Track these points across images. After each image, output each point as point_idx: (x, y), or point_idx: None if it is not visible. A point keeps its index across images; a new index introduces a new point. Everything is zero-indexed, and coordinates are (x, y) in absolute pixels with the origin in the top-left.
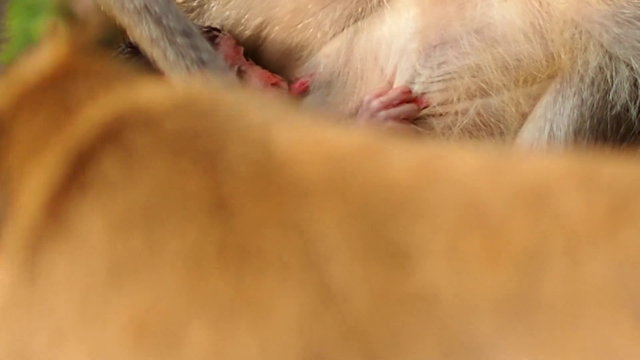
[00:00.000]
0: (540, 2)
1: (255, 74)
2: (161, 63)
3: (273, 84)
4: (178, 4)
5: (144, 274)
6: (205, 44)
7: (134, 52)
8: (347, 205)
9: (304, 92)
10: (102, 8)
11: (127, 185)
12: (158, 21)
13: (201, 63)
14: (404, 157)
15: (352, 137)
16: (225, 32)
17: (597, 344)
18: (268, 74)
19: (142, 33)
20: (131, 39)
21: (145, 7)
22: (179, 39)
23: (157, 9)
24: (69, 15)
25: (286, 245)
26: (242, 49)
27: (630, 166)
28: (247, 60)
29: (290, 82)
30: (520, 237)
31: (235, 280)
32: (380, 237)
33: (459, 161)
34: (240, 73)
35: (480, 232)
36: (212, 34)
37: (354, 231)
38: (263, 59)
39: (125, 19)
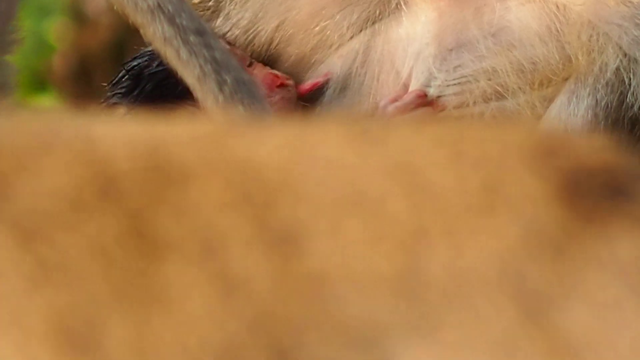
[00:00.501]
0: (557, 5)
1: (260, 76)
2: (174, 62)
3: (279, 86)
4: (194, 4)
5: (55, 278)
6: (219, 43)
7: (137, 76)
8: (229, 191)
9: (316, 92)
10: (115, 7)
11: (30, 192)
12: (171, 20)
13: (214, 62)
14: (269, 135)
15: (205, 123)
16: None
17: (482, 330)
18: (272, 75)
19: (155, 32)
20: (143, 44)
21: (159, 5)
22: (192, 38)
23: (170, 7)
24: (79, 16)
25: (181, 231)
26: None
27: (497, 136)
28: (251, 63)
29: (297, 84)
30: (399, 217)
31: (140, 269)
32: (267, 222)
33: (324, 137)
34: None
35: (360, 212)
36: None
37: (241, 218)
38: (277, 61)
39: (139, 18)
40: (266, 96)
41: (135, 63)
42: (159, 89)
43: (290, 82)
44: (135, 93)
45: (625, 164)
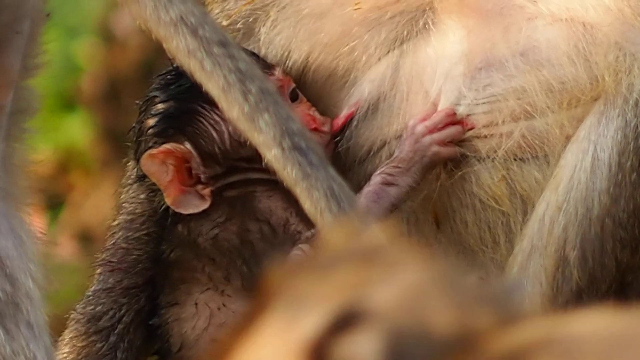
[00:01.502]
0: (584, 25)
1: (298, 114)
2: (198, 74)
3: (313, 130)
4: (223, 27)
5: None
6: (242, 54)
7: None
8: None
9: (349, 121)
10: (137, 22)
11: None
12: (194, 32)
13: (238, 72)
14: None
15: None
16: (275, 71)
17: None
18: (310, 117)
19: (179, 45)
20: (168, 54)
21: (181, 18)
22: (216, 49)
23: (193, 20)
24: (108, 37)
25: None
26: (290, 85)
27: None
28: (297, 95)
29: (332, 118)
30: None
31: None
32: None
33: None
34: None
35: None
36: None
37: None
38: (309, 84)
39: (162, 32)
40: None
41: None
42: (193, 90)
43: (325, 128)
44: (172, 87)
45: None
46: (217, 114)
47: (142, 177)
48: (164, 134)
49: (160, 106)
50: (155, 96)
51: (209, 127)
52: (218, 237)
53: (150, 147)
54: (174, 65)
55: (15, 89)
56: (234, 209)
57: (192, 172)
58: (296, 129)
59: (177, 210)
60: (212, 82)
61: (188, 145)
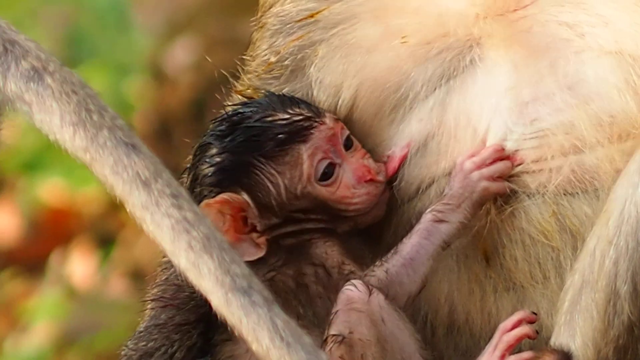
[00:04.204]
0: (633, 58)
1: (350, 168)
2: (152, 229)
3: (367, 181)
4: (272, 63)
5: None
6: (193, 206)
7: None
8: None
9: (402, 163)
10: (101, 183)
11: None
12: (147, 186)
13: (185, 222)
14: None
15: None
16: (326, 118)
17: None
18: (365, 168)
19: (134, 201)
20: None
21: (137, 173)
22: (164, 201)
23: (147, 174)
24: (159, 76)
25: None
26: (344, 133)
27: None
28: (352, 142)
29: (381, 157)
30: None
31: None
32: None
33: None
34: (332, 167)
35: None
36: (308, 123)
37: None
38: (357, 122)
39: (119, 188)
40: (353, 186)
41: (240, 110)
42: (248, 144)
43: (381, 177)
44: (227, 140)
45: None
46: (272, 167)
47: None
48: (220, 184)
49: (217, 158)
50: (210, 143)
51: (265, 179)
52: (274, 279)
53: (206, 196)
54: (228, 113)
55: None
56: (291, 255)
57: (248, 221)
58: (239, 272)
59: None
60: (162, 234)
61: (245, 196)
